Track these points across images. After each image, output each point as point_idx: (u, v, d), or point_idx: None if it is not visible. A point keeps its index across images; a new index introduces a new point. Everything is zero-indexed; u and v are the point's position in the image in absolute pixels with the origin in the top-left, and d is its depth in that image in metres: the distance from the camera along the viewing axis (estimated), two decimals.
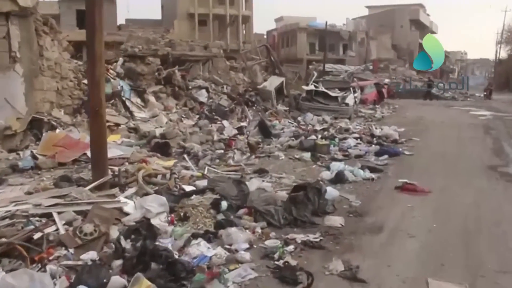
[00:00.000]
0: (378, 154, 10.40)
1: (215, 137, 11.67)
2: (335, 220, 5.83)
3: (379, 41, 54.21)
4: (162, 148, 9.95)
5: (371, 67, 40.72)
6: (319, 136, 12.75)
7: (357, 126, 15.31)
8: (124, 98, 13.79)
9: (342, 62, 44.18)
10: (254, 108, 17.44)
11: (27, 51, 10.64)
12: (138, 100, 14.66)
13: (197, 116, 15.23)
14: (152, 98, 15.13)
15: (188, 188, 6.83)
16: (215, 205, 5.89)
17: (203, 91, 17.34)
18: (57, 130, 10.34)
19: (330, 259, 4.62)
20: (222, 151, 10.35)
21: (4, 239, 4.35)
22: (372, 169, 8.75)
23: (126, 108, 13.50)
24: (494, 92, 36.30)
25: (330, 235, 5.33)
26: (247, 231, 5.29)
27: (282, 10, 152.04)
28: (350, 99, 19.12)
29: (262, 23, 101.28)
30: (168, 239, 4.99)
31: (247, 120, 15.07)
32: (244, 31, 45.48)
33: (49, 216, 5.17)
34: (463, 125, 16.79)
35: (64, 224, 5.03)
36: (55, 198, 5.64)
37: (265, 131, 12.68)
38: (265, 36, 54.92)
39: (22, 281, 3.64)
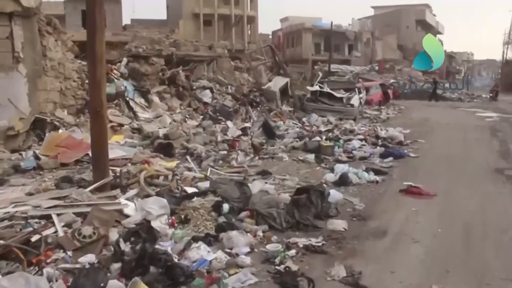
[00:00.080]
0: (383, 156, 10.31)
1: (219, 138, 11.59)
2: (338, 224, 5.74)
3: (384, 42, 54.00)
4: (165, 148, 9.90)
5: (376, 68, 40.63)
6: (324, 137, 12.67)
7: (362, 128, 15.20)
8: (127, 99, 13.75)
9: (347, 63, 44.07)
10: (258, 108, 17.38)
11: (30, 52, 10.62)
12: (142, 101, 14.62)
13: (201, 116, 15.17)
14: (156, 99, 15.08)
15: (190, 190, 6.78)
16: (217, 207, 5.84)
17: (207, 91, 17.29)
18: (60, 131, 10.31)
19: (332, 264, 4.54)
20: (225, 152, 10.30)
21: (1, 241, 4.30)
22: (377, 172, 8.66)
23: (130, 109, 13.46)
24: (501, 93, 35.95)
25: (332, 239, 5.25)
26: (249, 234, 5.22)
27: (288, 10, 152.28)
28: (355, 100, 19.00)
29: (268, 23, 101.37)
30: (168, 242, 4.94)
31: (251, 120, 15.00)
32: (249, 31, 45.38)
33: (48, 217, 5.13)
34: (469, 127, 16.62)
35: (63, 226, 4.99)
36: (54, 199, 5.59)
37: (269, 132, 12.61)
38: (270, 36, 54.83)
39: (18, 284, 3.59)
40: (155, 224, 5.32)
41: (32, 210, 5.19)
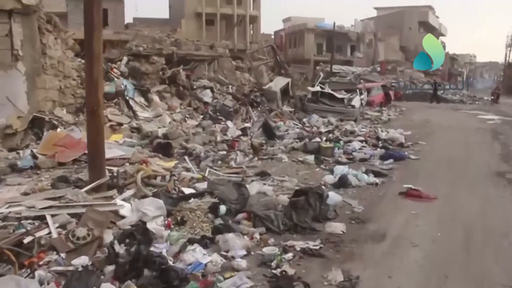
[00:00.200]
0: (383, 158, 10.23)
1: (218, 138, 11.53)
2: (336, 227, 5.67)
3: (387, 43, 53.85)
4: (164, 148, 9.84)
5: (378, 69, 40.54)
6: (324, 138, 12.59)
7: (363, 129, 15.13)
8: (127, 98, 13.69)
9: (349, 64, 43.96)
10: (259, 109, 17.31)
11: (30, 49, 10.57)
12: (142, 100, 14.57)
13: (201, 116, 15.10)
14: (156, 98, 15.03)
15: (187, 190, 6.70)
16: (214, 209, 5.76)
17: (208, 91, 17.24)
18: (58, 129, 10.24)
19: (329, 268, 4.47)
20: (224, 152, 10.23)
21: None
22: (377, 174, 8.58)
23: (129, 108, 13.40)
24: (503, 95, 35.85)
25: (330, 243, 5.17)
26: (245, 237, 5.15)
27: (290, 10, 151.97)
28: (356, 101, 18.93)
29: (270, 23, 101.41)
30: (163, 244, 4.87)
31: (251, 121, 14.93)
32: (251, 31, 45.30)
33: (42, 218, 5.06)
34: (470, 129, 16.52)
35: (57, 227, 4.92)
36: (49, 200, 5.52)
37: (269, 133, 12.54)
38: (272, 36, 54.74)
39: (8, 287, 3.52)
40: (151, 225, 5.26)
41: (26, 210, 5.12)
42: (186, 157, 9.24)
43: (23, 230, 4.61)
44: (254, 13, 44.57)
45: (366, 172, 8.50)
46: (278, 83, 19.39)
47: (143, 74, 15.79)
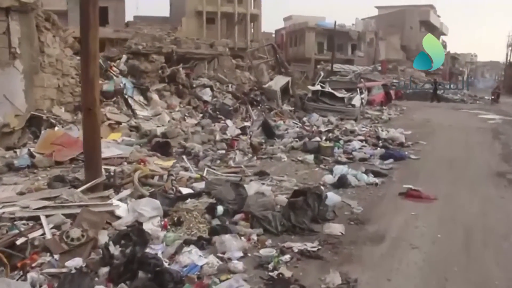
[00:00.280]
0: (383, 157, 10.15)
1: (217, 137, 11.46)
2: (335, 228, 5.59)
3: (388, 42, 53.77)
4: (162, 147, 9.76)
5: (379, 68, 40.40)
6: (324, 137, 12.51)
7: (363, 128, 15.04)
8: (126, 96, 13.61)
9: (350, 63, 43.82)
10: (258, 107, 17.23)
11: (28, 47, 10.49)
12: (141, 98, 14.49)
13: (201, 115, 15.02)
14: (155, 96, 14.95)
15: (185, 190, 6.63)
16: (211, 209, 5.68)
17: (208, 89, 17.15)
18: (56, 128, 10.18)
19: (327, 270, 4.39)
20: (223, 151, 10.15)
21: None
22: (376, 174, 8.50)
23: (128, 106, 13.32)
24: (504, 95, 35.80)
25: (328, 244, 5.10)
26: (242, 238, 5.08)
27: (291, 9, 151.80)
28: (356, 100, 18.82)
29: (271, 21, 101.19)
30: (159, 245, 4.80)
31: (251, 120, 14.85)
32: (252, 30, 45.22)
33: (37, 219, 4.99)
34: (471, 129, 16.43)
35: (52, 228, 4.85)
36: (44, 200, 5.45)
37: (269, 132, 12.46)
38: (273, 35, 54.67)
39: None
40: (147, 226, 5.19)
41: (20, 211, 5.05)
42: (184, 157, 9.17)
43: (16, 231, 4.54)
44: (254, 12, 44.48)
45: (366, 172, 8.43)
46: (278, 82, 19.31)
47: (142, 72, 15.71)
